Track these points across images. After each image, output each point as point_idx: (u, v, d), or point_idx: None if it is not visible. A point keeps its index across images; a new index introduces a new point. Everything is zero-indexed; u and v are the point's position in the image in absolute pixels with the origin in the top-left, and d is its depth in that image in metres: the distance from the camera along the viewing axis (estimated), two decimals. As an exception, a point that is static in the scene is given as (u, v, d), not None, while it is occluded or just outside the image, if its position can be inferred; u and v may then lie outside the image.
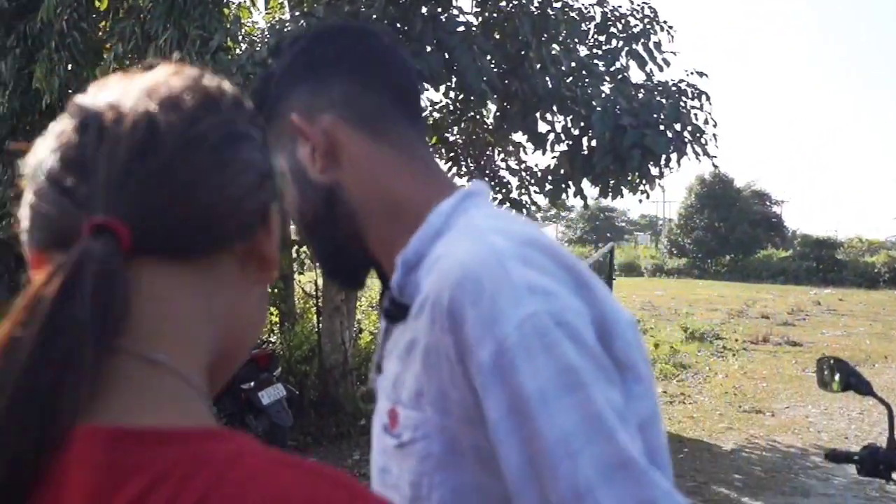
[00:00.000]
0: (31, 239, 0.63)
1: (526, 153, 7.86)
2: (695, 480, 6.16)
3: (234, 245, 0.64)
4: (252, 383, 6.40)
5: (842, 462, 2.42)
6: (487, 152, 8.28)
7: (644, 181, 6.72)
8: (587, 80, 6.15)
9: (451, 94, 7.21)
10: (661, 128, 5.88)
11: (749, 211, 43.47)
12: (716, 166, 7.19)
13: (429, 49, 5.18)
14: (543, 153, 6.45)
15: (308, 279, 9.47)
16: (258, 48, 5.17)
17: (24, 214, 0.63)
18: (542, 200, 8.41)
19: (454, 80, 5.78)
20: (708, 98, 6.94)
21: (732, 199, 43.44)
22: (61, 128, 0.63)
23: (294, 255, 8.73)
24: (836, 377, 2.41)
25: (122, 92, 0.64)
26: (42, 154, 0.62)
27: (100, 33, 7.09)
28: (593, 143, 6.03)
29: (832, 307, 21.67)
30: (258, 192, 0.66)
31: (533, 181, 8.03)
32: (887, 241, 57.81)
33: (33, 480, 0.54)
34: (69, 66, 6.48)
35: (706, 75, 7.09)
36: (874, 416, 7.10)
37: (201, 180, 0.62)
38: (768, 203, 47.81)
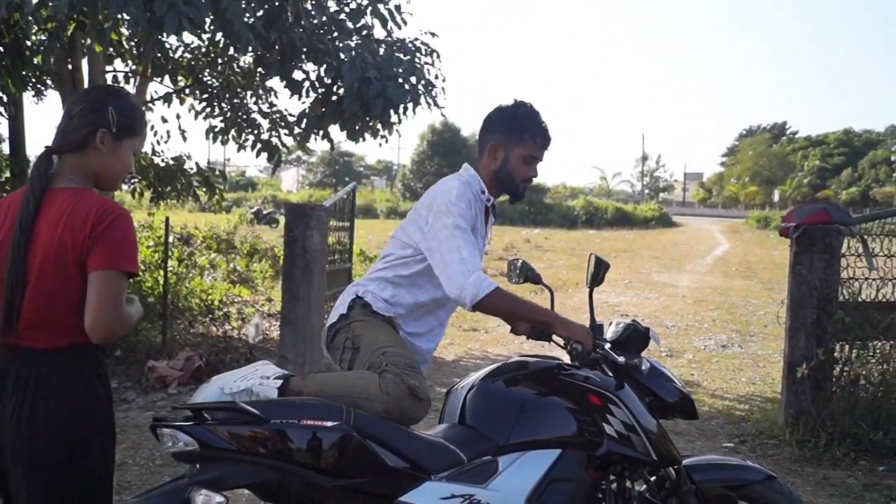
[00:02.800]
0: None
1: (277, 98, 8.21)
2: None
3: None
4: None
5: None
6: (240, 95, 8.55)
7: (384, 127, 7.56)
8: (336, 35, 6.79)
9: (205, 38, 7.43)
10: (400, 80, 6.73)
11: (470, 158, 46.52)
12: (444, 115, 8.26)
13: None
14: (299, 99, 7.03)
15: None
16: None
17: None
18: (290, 142, 8.90)
19: (217, 26, 6.09)
20: (438, 56, 7.92)
21: (460, 146, 46.27)
22: None
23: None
24: (519, 272, 3.16)
25: None
26: None
27: None
28: (341, 91, 6.72)
29: (539, 244, 24.66)
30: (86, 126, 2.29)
31: (283, 124, 8.51)
32: (586, 188, 64.45)
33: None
34: None
35: (437, 35, 8.03)
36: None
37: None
38: (489, 151, 51.37)
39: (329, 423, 2.26)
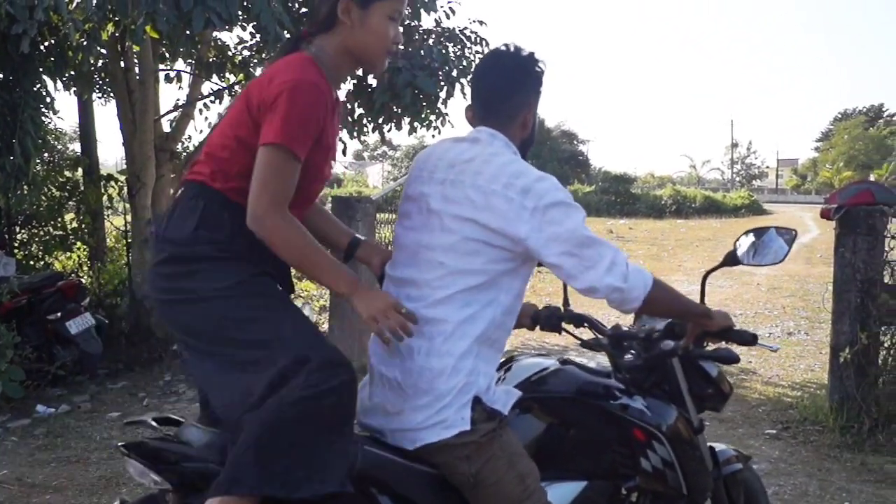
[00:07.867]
0: None
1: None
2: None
3: None
4: (59, 314, 6.39)
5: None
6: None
7: (437, 117, 7.55)
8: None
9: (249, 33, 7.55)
10: (435, 69, 6.72)
11: (558, 149, 46.03)
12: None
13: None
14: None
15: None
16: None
17: None
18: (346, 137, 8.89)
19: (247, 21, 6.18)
20: (487, 44, 7.87)
21: (543, 137, 45.74)
22: None
23: (103, 190, 8.71)
24: None
25: None
26: None
27: None
28: (374, 82, 6.76)
29: (621, 235, 24.14)
30: None
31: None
32: (675, 176, 62.99)
33: None
34: None
35: (485, 24, 7.99)
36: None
37: None
38: (576, 142, 50.78)
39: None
